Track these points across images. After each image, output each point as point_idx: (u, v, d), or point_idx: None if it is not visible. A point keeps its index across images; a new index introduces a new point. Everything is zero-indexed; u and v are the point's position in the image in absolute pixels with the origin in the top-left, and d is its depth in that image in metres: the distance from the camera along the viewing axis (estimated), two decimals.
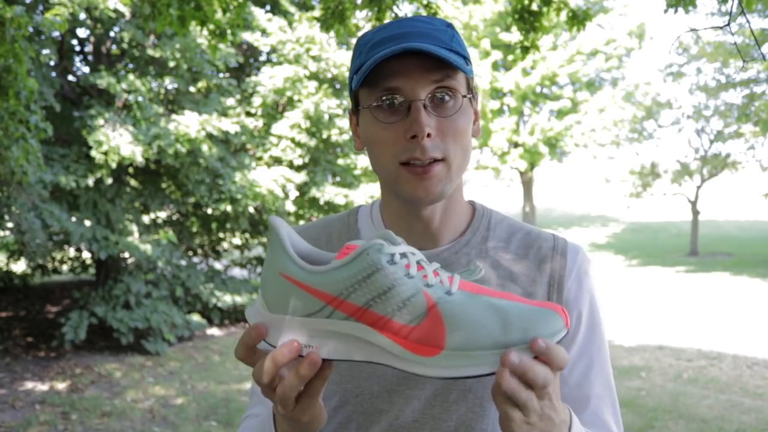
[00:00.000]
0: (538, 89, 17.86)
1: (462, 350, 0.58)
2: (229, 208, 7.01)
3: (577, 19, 3.87)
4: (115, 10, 5.99)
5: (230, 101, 7.45)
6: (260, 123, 7.78)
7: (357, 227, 0.93)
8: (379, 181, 0.86)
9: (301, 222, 8.57)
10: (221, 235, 8.54)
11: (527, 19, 3.85)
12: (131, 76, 6.30)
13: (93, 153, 5.89)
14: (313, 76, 7.85)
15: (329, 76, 7.90)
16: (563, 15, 3.94)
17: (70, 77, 7.21)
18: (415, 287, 0.59)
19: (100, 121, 6.04)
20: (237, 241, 8.65)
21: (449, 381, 0.82)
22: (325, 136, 7.89)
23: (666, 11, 3.06)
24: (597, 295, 0.90)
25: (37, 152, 3.73)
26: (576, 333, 0.86)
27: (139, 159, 5.99)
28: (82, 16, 6.50)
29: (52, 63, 6.64)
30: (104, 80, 6.07)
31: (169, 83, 7.05)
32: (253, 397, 0.94)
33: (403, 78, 0.76)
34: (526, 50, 4.00)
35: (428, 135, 0.75)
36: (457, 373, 0.58)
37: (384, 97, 0.77)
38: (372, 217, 0.93)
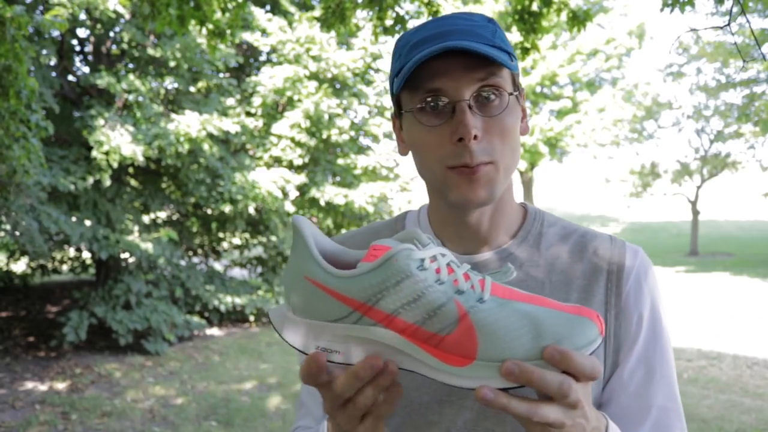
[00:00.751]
0: (538, 89, 17.85)
1: (494, 361, 0.57)
2: (228, 208, 7.01)
3: (578, 20, 3.87)
4: (115, 11, 5.99)
5: (230, 101, 7.45)
6: (260, 123, 7.79)
7: None
8: (425, 184, 0.84)
9: None
10: (221, 235, 8.54)
11: (527, 20, 3.85)
12: (131, 76, 6.30)
13: (94, 153, 5.90)
14: (313, 76, 7.85)
15: (329, 76, 7.90)
16: (563, 15, 3.94)
17: (70, 77, 7.21)
18: (446, 295, 0.57)
19: (101, 121, 6.04)
20: (237, 241, 8.65)
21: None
22: (325, 136, 7.89)
23: (662, 10, 3.07)
24: (660, 299, 0.85)
25: (38, 150, 3.73)
26: (636, 337, 0.81)
27: (140, 158, 5.99)
28: (82, 16, 6.50)
29: (52, 63, 6.64)
30: (104, 80, 6.07)
31: (169, 83, 7.05)
32: (300, 408, 0.92)
33: (446, 78, 0.73)
34: (526, 51, 4.00)
35: (475, 137, 0.73)
36: (489, 384, 0.56)
37: (427, 99, 0.74)
38: (419, 222, 0.90)
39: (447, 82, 0.73)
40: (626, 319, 0.81)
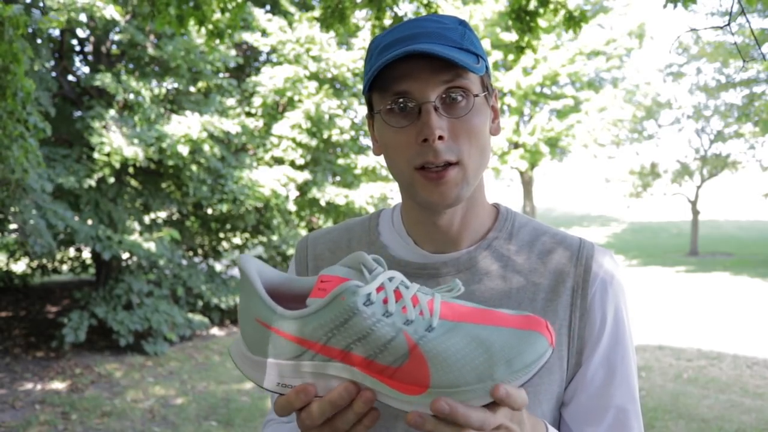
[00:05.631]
0: (538, 89, 17.84)
1: (448, 387, 0.58)
2: (230, 207, 7.00)
3: (574, 20, 3.87)
4: (111, 18, 5.97)
5: (230, 101, 7.44)
6: (260, 123, 7.78)
7: (378, 230, 0.91)
8: (398, 184, 0.85)
9: (302, 223, 8.57)
10: (221, 235, 8.54)
11: (523, 19, 3.85)
12: (131, 77, 6.29)
13: (96, 155, 5.90)
14: (313, 76, 7.84)
15: (329, 76, 7.89)
16: (560, 16, 3.94)
17: (70, 77, 7.20)
18: (394, 328, 0.59)
19: (101, 122, 6.04)
20: (237, 240, 8.65)
21: None
22: (325, 136, 7.88)
23: (665, 6, 3.07)
24: (625, 302, 0.87)
25: (35, 150, 3.73)
26: (599, 339, 0.83)
27: (141, 159, 5.99)
28: (82, 17, 6.49)
29: (51, 64, 6.62)
30: (104, 80, 6.06)
31: (169, 83, 7.04)
32: (272, 403, 0.95)
33: (412, 81, 0.74)
34: (521, 50, 4.01)
35: (440, 137, 0.73)
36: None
37: (394, 101, 0.76)
38: (393, 221, 0.92)
39: (413, 85, 0.74)
40: (590, 321, 0.83)
